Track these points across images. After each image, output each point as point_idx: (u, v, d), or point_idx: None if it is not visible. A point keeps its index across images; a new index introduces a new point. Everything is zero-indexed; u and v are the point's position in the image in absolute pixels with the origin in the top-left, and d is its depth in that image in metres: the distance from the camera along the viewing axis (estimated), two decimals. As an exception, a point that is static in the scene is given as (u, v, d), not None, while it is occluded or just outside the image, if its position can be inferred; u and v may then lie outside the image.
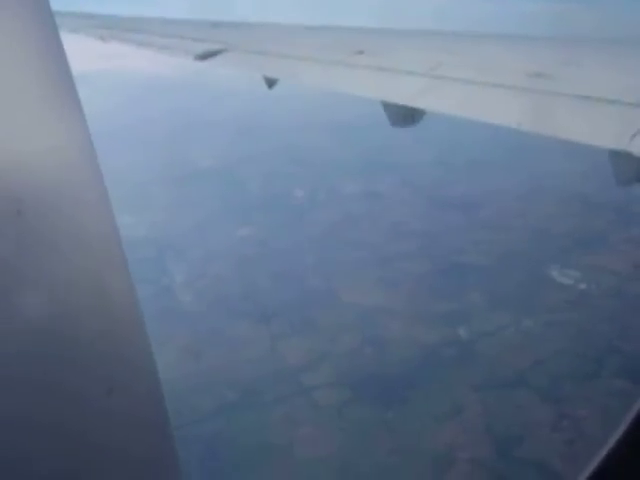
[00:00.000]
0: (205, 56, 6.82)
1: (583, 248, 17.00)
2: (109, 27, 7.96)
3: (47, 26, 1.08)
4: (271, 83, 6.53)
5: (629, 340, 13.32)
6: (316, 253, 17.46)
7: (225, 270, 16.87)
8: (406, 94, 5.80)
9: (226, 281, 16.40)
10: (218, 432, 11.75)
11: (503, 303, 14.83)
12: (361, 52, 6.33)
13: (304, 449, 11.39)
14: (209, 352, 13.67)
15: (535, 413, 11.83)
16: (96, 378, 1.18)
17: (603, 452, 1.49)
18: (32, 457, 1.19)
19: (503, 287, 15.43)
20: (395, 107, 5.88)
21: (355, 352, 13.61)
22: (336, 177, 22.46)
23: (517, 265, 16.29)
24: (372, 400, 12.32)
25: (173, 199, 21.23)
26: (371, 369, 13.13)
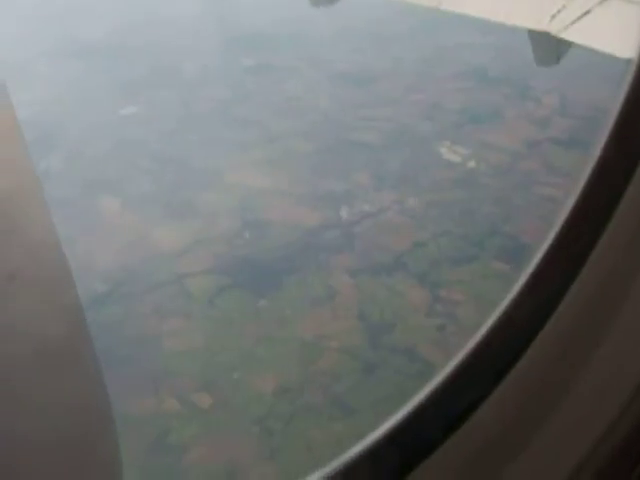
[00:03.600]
0: None
1: (476, 124, 16.54)
2: None
3: None
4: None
5: (511, 221, 13.12)
6: (202, 132, 16.67)
7: (103, 152, 15.99)
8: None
9: (103, 164, 15.57)
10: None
11: (388, 182, 14.42)
12: None
13: (172, 341, 11.02)
14: (78, 239, 12.98)
15: (410, 298, 11.64)
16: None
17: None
18: None
19: (390, 165, 14.98)
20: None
21: (233, 236, 13.12)
22: (232, 50, 21.31)
23: (407, 142, 15.80)
24: (246, 287, 11.94)
25: (56, 75, 19.95)
26: (248, 254, 12.70)
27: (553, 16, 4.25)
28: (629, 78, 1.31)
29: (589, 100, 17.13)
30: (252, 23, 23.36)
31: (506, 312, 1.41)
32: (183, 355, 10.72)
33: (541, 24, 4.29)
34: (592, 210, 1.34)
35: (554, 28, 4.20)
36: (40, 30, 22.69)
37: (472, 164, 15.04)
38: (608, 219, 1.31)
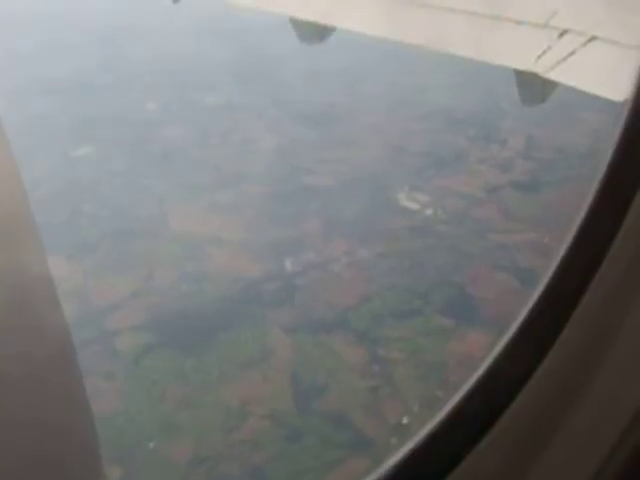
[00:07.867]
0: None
1: (438, 168, 15.98)
2: None
3: None
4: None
5: (460, 270, 12.56)
6: (153, 175, 16.18)
7: (48, 196, 15.43)
8: (313, 10, 5.50)
9: (47, 209, 14.99)
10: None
11: (340, 230, 13.84)
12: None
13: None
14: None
15: (347, 357, 11.01)
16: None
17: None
18: None
19: (344, 212, 14.40)
20: (302, 23, 5.67)
21: (170, 289, 12.54)
22: (197, 89, 20.84)
23: (364, 187, 15.24)
24: (175, 345, 11.33)
25: (13, 114, 19.44)
26: (182, 308, 12.11)
27: (539, 56, 4.49)
28: (624, 116, 1.35)
29: (554, 141, 16.62)
30: (225, 60, 22.93)
31: (502, 352, 1.43)
32: (98, 420, 9.99)
33: (527, 64, 4.40)
34: (580, 260, 1.37)
35: (540, 68, 4.29)
36: (3, 68, 22.28)
37: (429, 212, 14.43)
38: (597, 267, 1.33)
